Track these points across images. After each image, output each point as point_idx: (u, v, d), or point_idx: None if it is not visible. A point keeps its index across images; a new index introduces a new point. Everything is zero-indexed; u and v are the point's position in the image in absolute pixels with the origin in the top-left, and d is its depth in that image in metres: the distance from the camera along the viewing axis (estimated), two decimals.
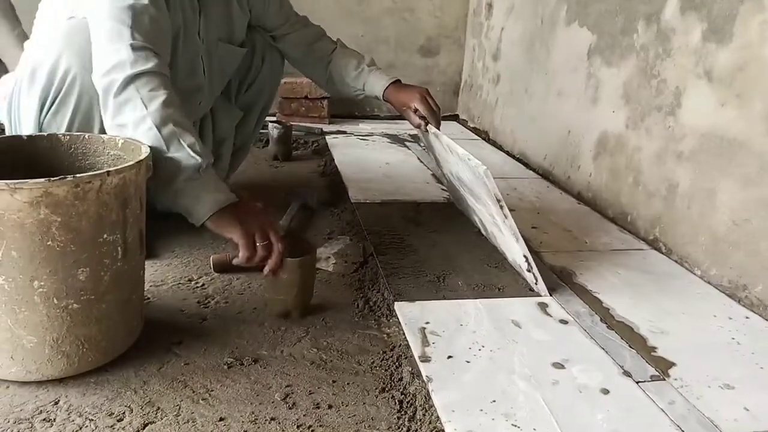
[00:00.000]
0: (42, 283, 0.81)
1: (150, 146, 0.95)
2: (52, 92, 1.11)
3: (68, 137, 1.02)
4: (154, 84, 0.98)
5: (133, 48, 0.99)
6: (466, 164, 1.21)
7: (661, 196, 1.45)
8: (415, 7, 2.94)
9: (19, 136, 1.00)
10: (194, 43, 1.29)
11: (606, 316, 1.11)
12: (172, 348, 0.99)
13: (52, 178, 0.78)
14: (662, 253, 1.43)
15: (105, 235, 0.85)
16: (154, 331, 1.03)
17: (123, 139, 1.01)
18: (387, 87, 1.43)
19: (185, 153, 0.96)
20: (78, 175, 0.80)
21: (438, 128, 1.38)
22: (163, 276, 1.25)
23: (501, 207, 1.13)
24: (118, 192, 0.85)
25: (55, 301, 0.83)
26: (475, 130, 2.86)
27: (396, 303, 1.13)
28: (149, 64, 0.99)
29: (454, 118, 3.14)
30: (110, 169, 0.83)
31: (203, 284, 1.23)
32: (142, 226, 0.95)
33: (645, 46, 1.53)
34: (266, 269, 1.01)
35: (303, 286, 1.08)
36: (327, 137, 2.57)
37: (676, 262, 1.38)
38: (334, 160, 2.20)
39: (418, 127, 1.42)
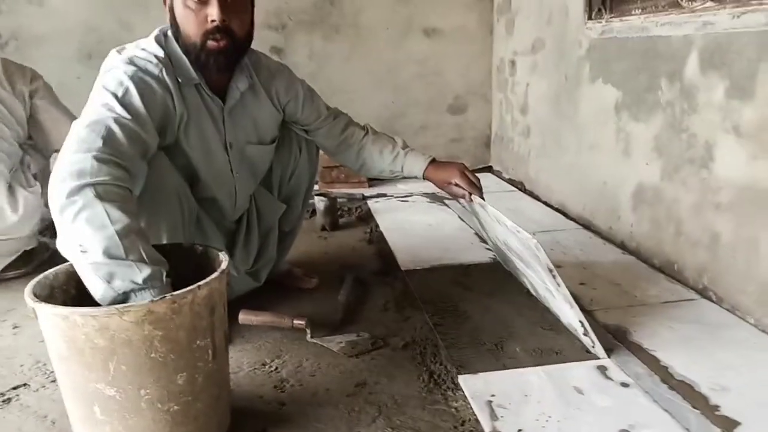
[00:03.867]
0: (148, 391, 0.91)
1: (106, 252, 0.93)
2: None
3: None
4: (113, 195, 0.99)
5: (97, 159, 1.00)
6: (515, 236, 1.28)
7: (705, 245, 1.49)
8: (442, 70, 3.08)
9: None
10: (220, 150, 1.39)
11: (666, 376, 1.15)
12: None
13: (153, 299, 0.88)
14: (713, 302, 1.46)
15: (198, 342, 0.95)
16: (239, 419, 1.11)
17: (202, 246, 1.13)
18: (426, 167, 1.52)
19: (142, 263, 0.95)
20: (174, 293, 0.90)
21: (483, 199, 1.46)
22: (239, 362, 1.34)
23: (554, 276, 1.20)
24: (206, 301, 0.95)
25: (159, 405, 0.92)
26: (510, 181, 2.94)
27: (460, 376, 1.19)
28: (109, 176, 1.00)
29: (488, 169, 3.23)
30: (200, 282, 0.93)
31: (276, 368, 1.31)
32: (225, 327, 1.04)
33: (671, 102, 1.60)
34: None
35: None
36: (369, 201, 2.67)
37: (728, 310, 1.41)
38: (379, 226, 2.29)
39: (462, 197, 1.49)
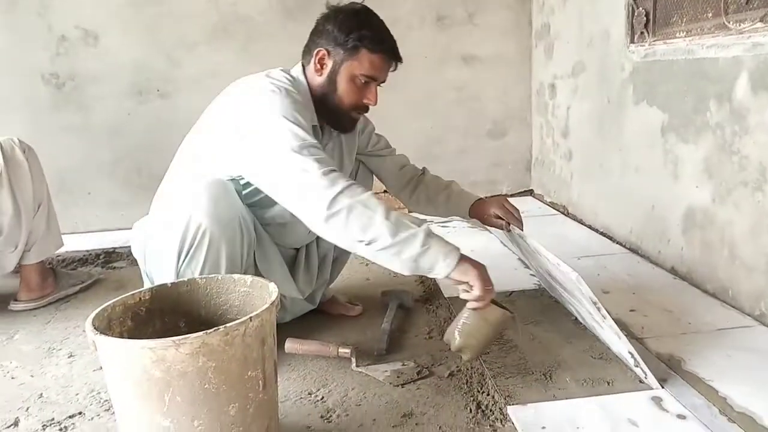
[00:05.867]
0: (200, 422, 0.93)
1: (388, 232, 1.13)
2: (187, 244, 1.28)
3: (204, 279, 1.17)
4: (359, 190, 1.15)
5: (324, 174, 1.16)
6: (556, 269, 1.26)
7: (762, 270, 1.44)
8: (480, 95, 3.09)
9: (165, 284, 1.15)
10: None
11: (725, 407, 1.11)
12: None
13: (207, 331, 0.90)
14: None
15: (249, 372, 0.97)
16: None
17: (251, 277, 1.15)
18: (471, 205, 1.56)
19: (413, 229, 1.14)
20: (227, 325, 0.92)
21: (521, 230, 1.46)
22: (286, 391, 1.35)
23: (598, 308, 1.17)
24: (257, 333, 0.97)
25: None
26: (552, 205, 2.90)
27: (509, 407, 1.17)
28: (342, 179, 1.16)
29: (529, 192, 3.20)
30: (252, 314, 0.95)
31: (322, 397, 1.31)
32: (275, 358, 1.06)
33: (720, 124, 1.57)
34: (478, 303, 1.20)
35: (491, 334, 1.25)
36: None
37: None
38: None
39: (501, 228, 1.51)
